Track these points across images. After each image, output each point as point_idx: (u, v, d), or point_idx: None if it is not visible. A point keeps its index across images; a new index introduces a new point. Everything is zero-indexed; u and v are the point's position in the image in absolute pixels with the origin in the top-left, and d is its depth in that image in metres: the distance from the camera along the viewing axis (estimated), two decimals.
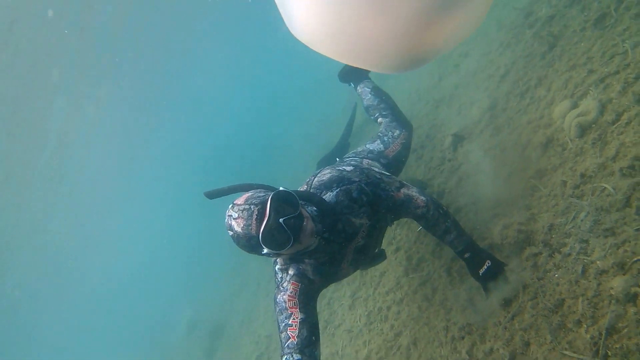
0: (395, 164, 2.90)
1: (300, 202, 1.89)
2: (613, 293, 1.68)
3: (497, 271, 2.19)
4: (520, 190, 2.50)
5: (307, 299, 2.03)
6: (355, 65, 1.39)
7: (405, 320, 2.92)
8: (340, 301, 4.05)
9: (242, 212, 1.79)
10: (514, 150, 2.80)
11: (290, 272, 2.10)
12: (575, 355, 1.69)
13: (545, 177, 2.42)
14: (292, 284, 2.05)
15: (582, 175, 2.19)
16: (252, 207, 1.78)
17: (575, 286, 1.86)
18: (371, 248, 2.38)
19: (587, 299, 1.77)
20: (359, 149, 3.00)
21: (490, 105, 3.51)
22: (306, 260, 2.11)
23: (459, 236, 2.27)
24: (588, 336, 1.68)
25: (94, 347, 16.69)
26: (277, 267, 2.16)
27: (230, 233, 1.84)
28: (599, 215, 1.95)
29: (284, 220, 1.75)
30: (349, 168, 2.36)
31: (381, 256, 2.68)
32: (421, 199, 2.28)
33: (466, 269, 2.33)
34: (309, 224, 1.86)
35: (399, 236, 3.60)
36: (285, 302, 2.00)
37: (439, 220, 2.26)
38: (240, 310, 7.26)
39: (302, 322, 1.93)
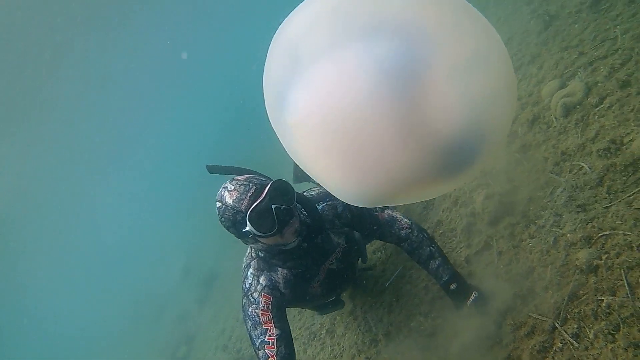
0: None
1: (295, 201, 1.92)
2: (578, 264, 1.85)
3: (484, 301, 2.08)
4: (504, 163, 2.64)
5: (279, 312, 2.02)
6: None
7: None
8: None
9: (240, 186, 1.83)
10: None
11: (262, 282, 2.08)
12: (539, 317, 1.88)
13: (530, 152, 2.56)
14: (264, 296, 2.02)
15: (563, 153, 2.32)
16: (251, 184, 1.83)
17: (546, 255, 2.02)
18: (343, 275, 2.40)
19: (556, 268, 1.94)
20: None
21: None
22: (279, 270, 2.11)
23: (444, 264, 2.15)
24: (552, 301, 1.86)
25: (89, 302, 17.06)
26: (250, 271, 2.14)
27: (218, 205, 1.87)
28: (573, 192, 2.10)
29: (276, 207, 1.79)
30: None
31: (339, 304, 2.76)
32: (405, 220, 2.28)
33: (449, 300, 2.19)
34: (295, 222, 1.91)
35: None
36: (258, 316, 1.97)
37: (422, 244, 2.21)
38: (233, 258, 7.35)
39: (279, 338, 1.91)
